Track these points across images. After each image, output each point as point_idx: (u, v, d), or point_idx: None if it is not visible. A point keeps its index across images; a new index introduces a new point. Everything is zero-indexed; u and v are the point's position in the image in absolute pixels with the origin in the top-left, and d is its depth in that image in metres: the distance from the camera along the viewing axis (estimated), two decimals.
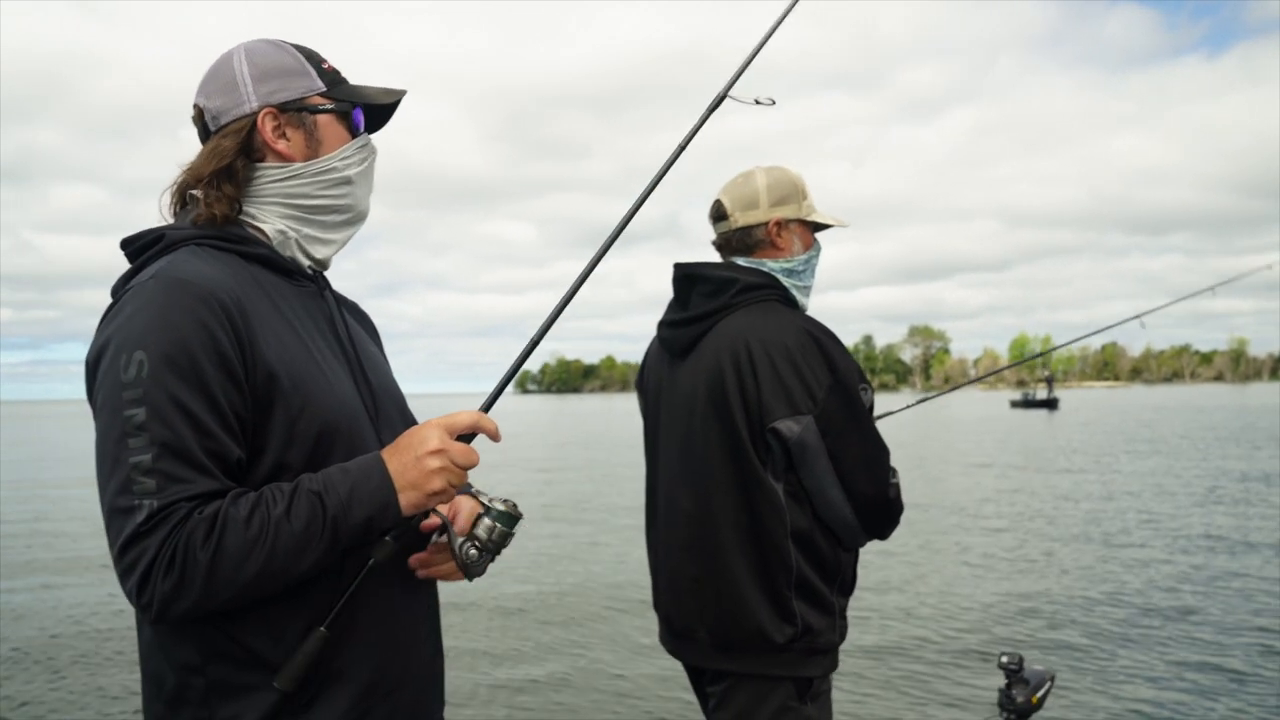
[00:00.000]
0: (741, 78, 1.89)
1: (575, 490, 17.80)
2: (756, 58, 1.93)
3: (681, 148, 1.79)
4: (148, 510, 1.23)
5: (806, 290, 2.39)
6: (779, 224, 2.34)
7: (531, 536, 11.78)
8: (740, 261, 2.36)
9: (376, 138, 1.61)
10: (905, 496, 2.27)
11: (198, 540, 1.23)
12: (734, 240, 2.37)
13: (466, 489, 1.51)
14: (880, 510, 2.19)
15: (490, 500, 1.43)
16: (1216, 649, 6.64)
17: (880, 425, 2.32)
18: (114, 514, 1.25)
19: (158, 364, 1.26)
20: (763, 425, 2.16)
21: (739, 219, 2.35)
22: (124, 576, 1.25)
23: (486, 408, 1.45)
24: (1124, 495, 15.36)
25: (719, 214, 2.39)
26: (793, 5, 2.01)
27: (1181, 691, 5.80)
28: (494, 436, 1.40)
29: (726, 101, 1.86)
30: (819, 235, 2.43)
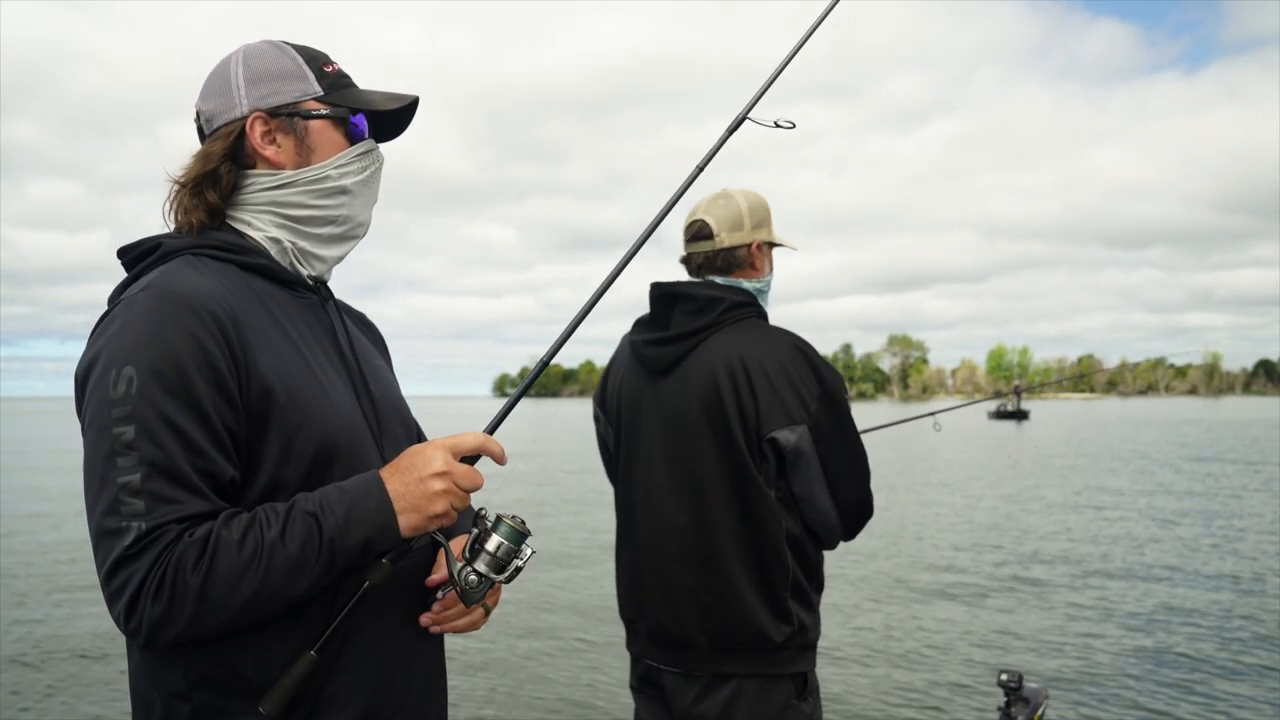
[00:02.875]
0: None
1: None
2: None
3: (700, 168, 1.76)
4: (136, 532, 1.18)
5: (766, 306, 2.51)
6: (759, 246, 2.43)
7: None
8: (718, 280, 2.42)
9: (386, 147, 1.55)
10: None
11: (188, 563, 1.18)
12: (718, 260, 2.43)
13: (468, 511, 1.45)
14: (861, 511, 2.32)
15: (497, 515, 1.35)
16: (1204, 655, 6.67)
17: (875, 435, 2.39)
18: (102, 535, 1.21)
19: (147, 380, 1.21)
20: (760, 436, 2.24)
21: (725, 240, 2.41)
22: (111, 601, 1.21)
23: (492, 429, 1.41)
24: (1089, 508, 15.47)
25: (703, 234, 2.44)
26: (817, 25, 1.95)
27: (1171, 702, 5.82)
28: (499, 459, 1.36)
29: (745, 124, 1.83)
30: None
